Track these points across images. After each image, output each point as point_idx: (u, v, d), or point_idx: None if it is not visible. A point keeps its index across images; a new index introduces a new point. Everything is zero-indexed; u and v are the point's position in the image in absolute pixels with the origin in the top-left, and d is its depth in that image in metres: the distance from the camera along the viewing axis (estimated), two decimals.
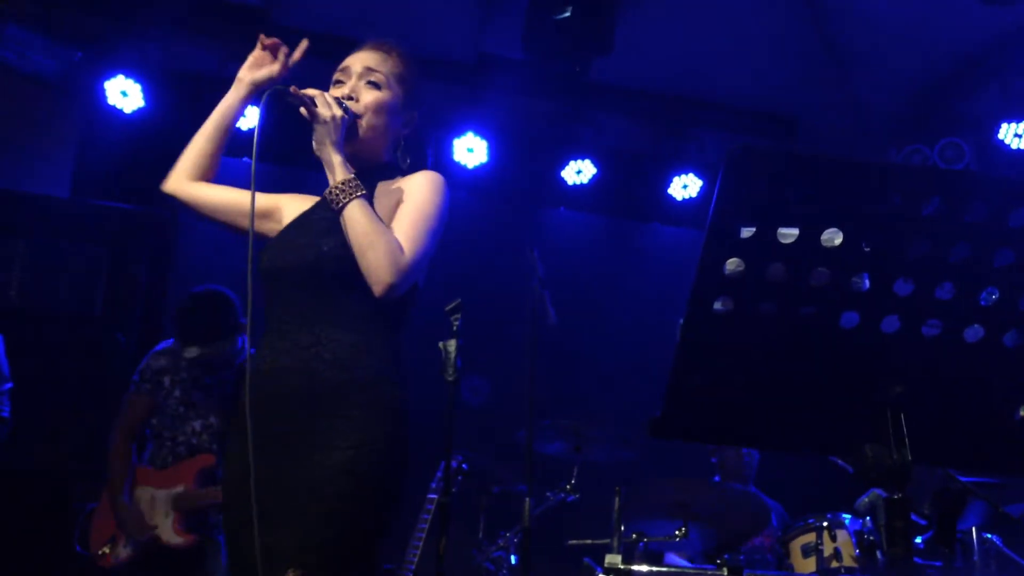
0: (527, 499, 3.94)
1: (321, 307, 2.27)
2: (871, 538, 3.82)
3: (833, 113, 6.70)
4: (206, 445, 4.10)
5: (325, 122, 2.31)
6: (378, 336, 2.30)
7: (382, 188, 2.46)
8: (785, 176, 1.40)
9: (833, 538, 3.96)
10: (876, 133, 6.64)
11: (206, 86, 6.15)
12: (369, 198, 2.32)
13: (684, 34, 6.18)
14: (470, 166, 6.50)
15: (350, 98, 2.45)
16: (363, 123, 2.45)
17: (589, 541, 4.35)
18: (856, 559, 3.87)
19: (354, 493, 2.12)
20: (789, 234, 1.40)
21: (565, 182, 6.72)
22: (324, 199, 2.39)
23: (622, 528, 3.92)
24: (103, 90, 5.88)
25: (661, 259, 7.10)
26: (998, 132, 6.09)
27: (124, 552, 4.01)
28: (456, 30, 6.24)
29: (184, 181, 2.59)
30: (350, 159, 2.41)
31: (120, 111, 5.95)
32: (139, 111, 5.98)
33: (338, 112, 2.33)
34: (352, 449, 2.14)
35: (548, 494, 4.58)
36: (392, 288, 2.20)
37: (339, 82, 2.53)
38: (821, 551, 3.96)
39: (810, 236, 1.40)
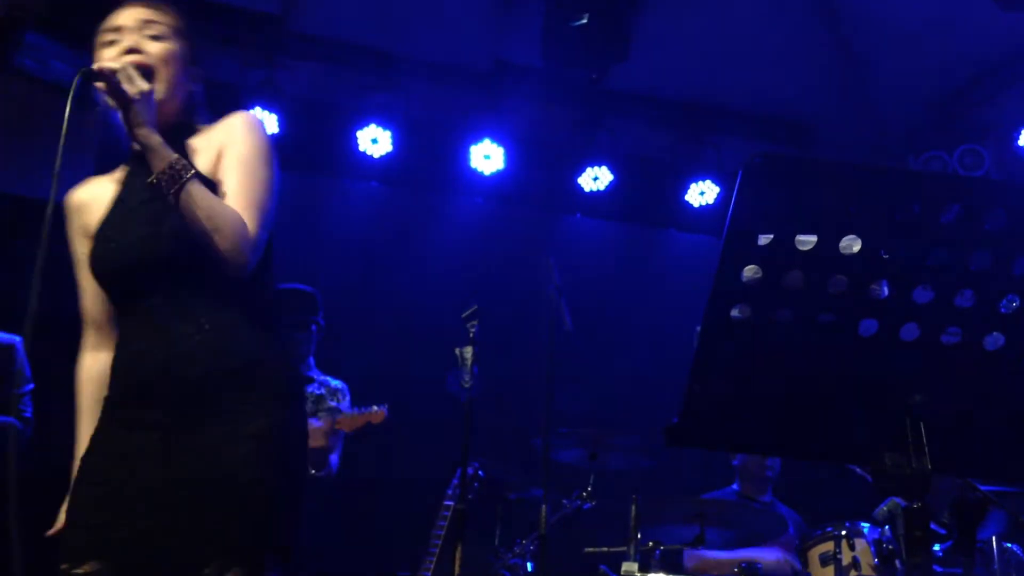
0: (543, 506, 3.94)
1: (190, 292, 2.13)
2: (890, 547, 3.80)
3: (851, 120, 6.68)
4: None
5: (136, 100, 2.05)
6: (256, 312, 2.19)
7: (192, 147, 2.25)
8: (803, 183, 1.40)
9: (852, 547, 3.94)
10: (895, 140, 6.62)
11: (224, 93, 6.18)
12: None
13: (701, 41, 6.17)
14: (487, 173, 6.51)
15: (134, 51, 2.20)
16: (157, 81, 2.19)
17: (605, 549, 4.34)
18: (875, 568, 3.84)
19: (269, 479, 2.05)
20: (807, 241, 1.39)
21: (582, 189, 6.71)
22: (131, 178, 2.24)
23: (638, 536, 3.91)
24: None
25: (678, 266, 7.08)
26: (1018, 139, 6.06)
27: None
28: (473, 37, 6.25)
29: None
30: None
31: None
32: None
33: (146, 86, 2.08)
34: (256, 439, 2.05)
35: (564, 501, 4.57)
36: (244, 267, 2.09)
37: (111, 42, 2.24)
38: (839, 560, 3.94)
39: (828, 243, 1.40)
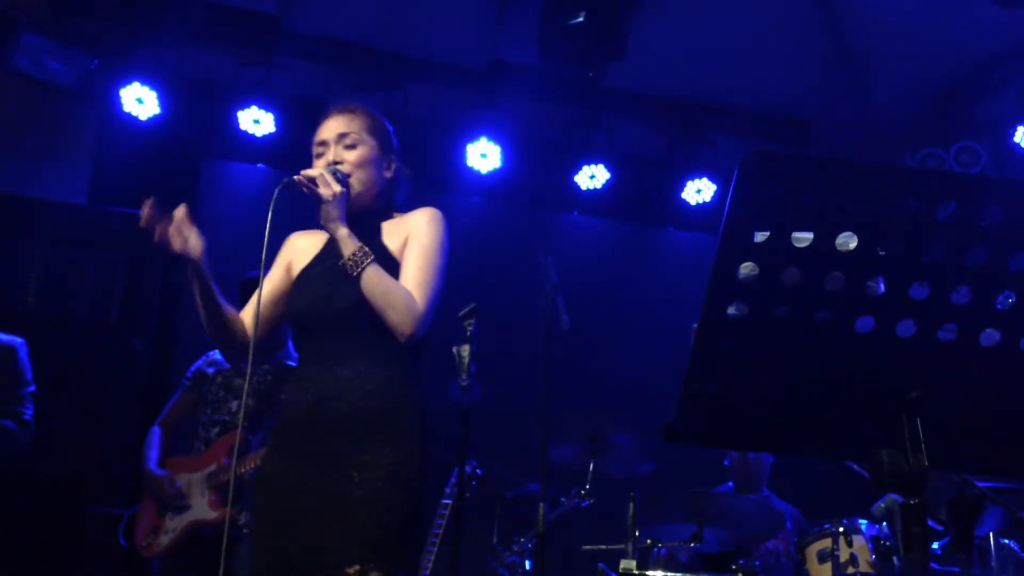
0: (541, 504, 3.94)
1: (355, 345, 2.59)
2: (887, 543, 3.80)
3: (848, 117, 6.68)
4: (238, 423, 4.23)
5: (328, 201, 2.57)
6: (405, 367, 2.64)
7: (385, 228, 2.77)
8: (799, 180, 1.40)
9: (849, 543, 3.94)
10: (891, 137, 6.62)
11: (221, 93, 6.18)
12: (378, 250, 2.64)
13: (698, 38, 6.17)
14: (483, 171, 6.51)
15: (336, 162, 2.72)
16: (353, 180, 2.71)
17: (603, 547, 4.34)
18: (872, 565, 3.85)
19: (398, 498, 2.48)
20: (804, 238, 1.39)
21: (579, 187, 6.71)
22: (331, 244, 2.68)
23: (636, 533, 3.91)
24: (119, 97, 5.92)
25: (675, 264, 7.09)
26: (1014, 135, 6.06)
27: (165, 539, 4.12)
28: (470, 36, 6.26)
29: (237, 338, 2.75)
30: (349, 211, 2.68)
31: (136, 118, 5.99)
32: (154, 118, 6.01)
33: (338, 189, 2.60)
34: (394, 464, 2.50)
35: (562, 499, 4.58)
36: (413, 336, 2.57)
37: (320, 154, 2.78)
38: (837, 557, 3.94)
39: (825, 240, 1.39)
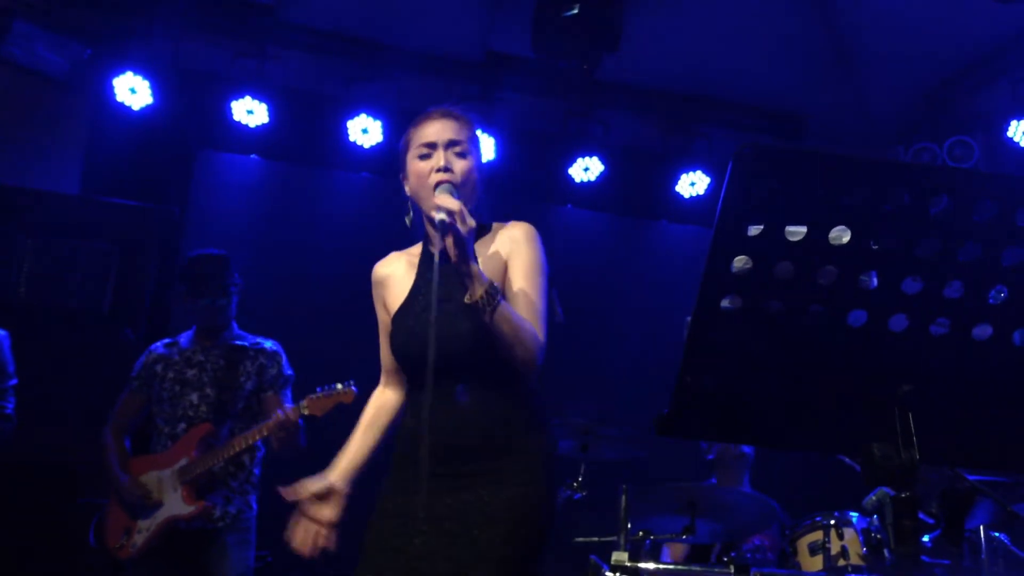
0: None
1: (475, 378, 2.57)
2: (878, 536, 3.81)
3: (841, 111, 6.69)
4: (204, 415, 4.21)
5: (464, 236, 2.44)
6: (524, 393, 2.64)
7: (481, 248, 2.69)
8: (793, 174, 1.40)
9: (840, 536, 3.95)
10: (884, 131, 6.63)
11: (214, 83, 6.16)
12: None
13: (692, 32, 6.17)
14: None
15: (447, 169, 2.63)
16: (460, 191, 2.60)
17: (596, 539, 4.35)
18: (863, 557, 3.86)
19: (524, 520, 2.49)
20: (797, 232, 1.40)
21: (573, 180, 6.71)
22: (423, 269, 2.73)
23: (629, 526, 3.92)
24: (112, 87, 5.90)
25: (669, 257, 7.09)
26: (1007, 130, 6.07)
27: (140, 538, 4.09)
28: (464, 28, 6.24)
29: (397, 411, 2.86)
30: None
31: (129, 108, 5.97)
32: (148, 108, 5.99)
33: (472, 223, 2.46)
34: (522, 487, 2.51)
35: None
36: (538, 368, 2.57)
37: (424, 155, 2.68)
38: (828, 549, 3.96)
39: (818, 234, 1.40)
